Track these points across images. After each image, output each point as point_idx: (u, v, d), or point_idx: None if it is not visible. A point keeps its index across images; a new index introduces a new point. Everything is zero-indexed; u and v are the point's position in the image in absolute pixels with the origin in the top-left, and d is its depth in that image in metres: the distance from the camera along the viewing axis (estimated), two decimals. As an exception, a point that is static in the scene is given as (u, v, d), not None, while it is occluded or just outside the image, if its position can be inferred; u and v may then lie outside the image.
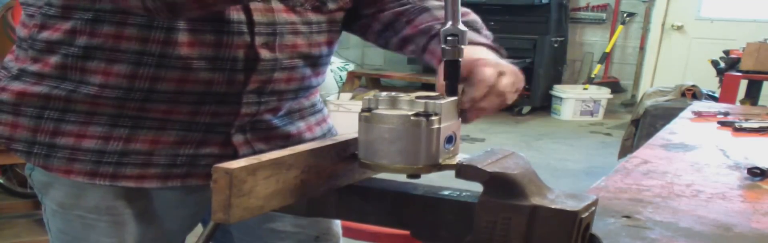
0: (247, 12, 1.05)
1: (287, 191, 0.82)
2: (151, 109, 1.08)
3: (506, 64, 0.98)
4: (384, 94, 0.85)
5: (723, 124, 2.18)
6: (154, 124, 1.09)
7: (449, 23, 0.89)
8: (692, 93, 4.29)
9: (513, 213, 0.77)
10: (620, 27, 6.69)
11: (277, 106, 1.17)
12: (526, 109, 6.57)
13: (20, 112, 1.10)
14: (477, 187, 0.81)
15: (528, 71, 6.27)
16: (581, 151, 5.12)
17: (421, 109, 0.82)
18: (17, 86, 1.10)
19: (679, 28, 6.62)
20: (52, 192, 1.16)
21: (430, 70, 1.11)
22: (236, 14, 1.04)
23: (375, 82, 7.10)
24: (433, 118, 0.82)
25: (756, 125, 2.11)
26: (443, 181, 0.89)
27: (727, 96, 4.12)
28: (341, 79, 6.65)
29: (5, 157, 2.52)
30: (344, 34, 1.25)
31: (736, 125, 2.12)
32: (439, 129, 0.83)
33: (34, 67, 1.09)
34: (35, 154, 1.11)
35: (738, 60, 4.23)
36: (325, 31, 1.17)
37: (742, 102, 4.22)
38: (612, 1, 6.74)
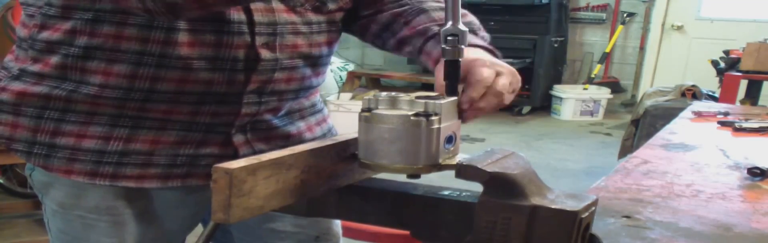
0: (248, 12, 1.05)
1: (287, 191, 0.82)
2: (151, 109, 1.08)
3: (503, 65, 0.99)
4: (384, 94, 0.85)
5: (723, 124, 2.18)
6: (154, 124, 1.09)
7: (450, 23, 0.89)
8: (692, 93, 4.29)
9: (513, 213, 0.77)
10: (620, 27, 6.69)
11: (277, 106, 1.17)
12: (526, 109, 6.57)
13: (20, 112, 1.10)
14: (477, 187, 0.81)
15: (528, 71, 6.29)
16: (581, 151, 5.12)
17: (421, 109, 0.82)
18: (17, 86, 1.10)
19: (679, 28, 6.62)
20: (53, 192, 1.16)
21: (430, 71, 1.11)
22: (237, 14, 1.04)
23: (375, 82, 7.10)
24: (433, 118, 0.82)
25: (756, 125, 2.11)
26: (443, 181, 0.89)
27: (727, 96, 4.12)
28: (341, 79, 6.66)
29: (5, 157, 2.52)
30: (344, 34, 1.25)
31: (736, 125, 2.12)
32: (439, 129, 0.83)
33: (35, 67, 1.09)
34: (35, 154, 1.11)
35: (738, 60, 4.23)
36: (325, 32, 1.17)
37: (742, 102, 4.22)
38: (612, 1, 6.74)
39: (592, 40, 6.92)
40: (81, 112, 1.08)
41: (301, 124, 1.24)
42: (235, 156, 1.12)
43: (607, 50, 6.72)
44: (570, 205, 0.77)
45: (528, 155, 1.08)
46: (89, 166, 1.09)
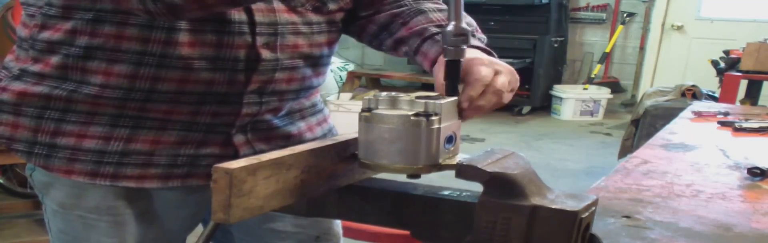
0: (249, 12, 1.05)
1: (287, 191, 0.82)
2: (151, 109, 1.08)
3: (502, 64, 0.99)
4: (384, 94, 0.85)
5: (723, 124, 2.18)
6: (154, 124, 1.09)
7: (452, 23, 0.89)
8: (692, 93, 4.29)
9: (513, 213, 0.77)
10: (620, 27, 6.69)
11: (278, 107, 1.17)
12: (526, 109, 6.57)
13: (21, 113, 1.10)
14: (477, 187, 0.81)
15: (528, 71, 6.29)
16: (581, 151, 5.12)
17: (421, 109, 0.83)
18: (18, 86, 1.10)
19: (679, 28, 6.62)
20: (53, 192, 1.16)
21: (427, 71, 1.12)
22: (238, 15, 1.05)
23: (375, 82, 7.10)
24: (433, 118, 0.82)
25: (756, 125, 2.11)
26: (443, 181, 0.89)
27: (727, 96, 4.12)
28: (341, 79, 6.66)
29: (5, 157, 2.52)
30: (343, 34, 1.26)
31: (736, 125, 2.12)
32: (439, 129, 0.83)
33: (35, 67, 1.09)
34: (36, 154, 1.11)
35: (738, 60, 4.24)
36: (325, 32, 1.17)
37: (742, 102, 4.22)
38: (612, 1, 6.74)
39: (592, 40, 6.92)
40: (81, 112, 1.08)
41: (302, 124, 1.25)
42: (236, 156, 1.13)
43: (607, 50, 6.72)
44: (570, 205, 0.77)
45: (528, 155, 1.08)
46: (90, 166, 1.09)
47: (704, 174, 1.54)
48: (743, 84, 4.29)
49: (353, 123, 0.86)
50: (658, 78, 6.70)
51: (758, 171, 1.51)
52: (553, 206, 0.76)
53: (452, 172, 0.80)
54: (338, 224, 1.37)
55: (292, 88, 1.16)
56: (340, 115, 4.91)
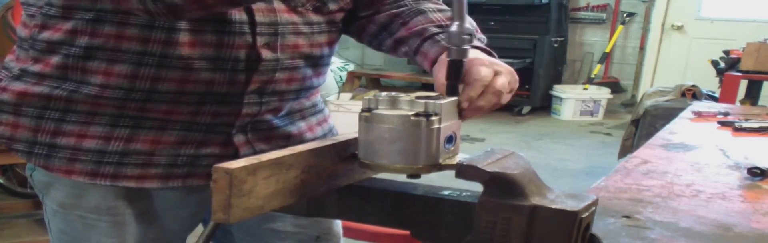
0: (249, 12, 1.05)
1: (287, 191, 0.82)
2: (152, 110, 1.08)
3: (502, 64, 0.99)
4: (384, 94, 0.85)
5: (723, 124, 2.18)
6: (154, 124, 1.09)
7: (457, 23, 0.89)
8: (692, 93, 4.29)
9: (513, 213, 0.77)
10: (620, 27, 6.69)
11: (278, 107, 1.17)
12: (526, 109, 6.57)
13: (21, 113, 1.10)
14: (477, 187, 0.81)
15: (528, 71, 6.29)
16: (581, 151, 5.12)
17: (421, 109, 0.83)
18: (18, 86, 1.10)
19: (679, 28, 6.62)
20: (53, 192, 1.16)
21: (427, 71, 1.12)
22: (238, 15, 1.05)
23: (375, 82, 7.10)
24: (433, 118, 0.82)
25: (756, 125, 2.11)
26: (443, 181, 0.89)
27: (727, 96, 4.12)
28: (341, 79, 6.66)
29: (5, 157, 2.52)
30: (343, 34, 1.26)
31: (736, 125, 2.12)
32: (439, 129, 0.83)
33: (35, 67, 1.09)
34: (36, 154, 1.11)
35: (738, 60, 4.24)
36: (325, 32, 1.17)
37: (742, 102, 4.22)
38: (612, 1, 6.74)
39: (592, 40, 6.92)
40: (82, 112, 1.08)
41: (302, 125, 1.25)
42: (236, 156, 1.13)
43: (607, 50, 6.72)
44: (570, 205, 0.77)
45: (528, 155, 1.08)
46: (90, 166, 1.09)
47: (704, 174, 1.54)
48: (743, 84, 4.29)
49: (353, 123, 0.86)
50: (658, 78, 6.71)
51: (758, 171, 1.51)
52: (553, 206, 0.76)
53: (452, 172, 0.80)
54: (338, 224, 1.37)
55: (293, 88, 1.16)
56: (340, 115, 4.92)
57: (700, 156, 1.73)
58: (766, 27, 5.99)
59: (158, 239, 1.22)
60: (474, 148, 4.05)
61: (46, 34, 1.06)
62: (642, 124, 4.06)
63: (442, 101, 0.84)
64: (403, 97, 0.84)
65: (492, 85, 0.94)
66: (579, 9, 6.87)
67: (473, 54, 0.99)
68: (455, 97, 0.89)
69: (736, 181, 1.49)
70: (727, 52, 4.49)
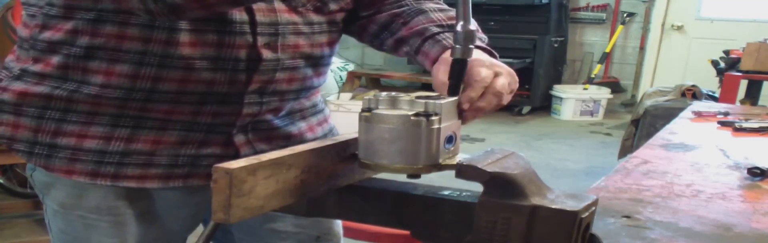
0: (250, 12, 1.05)
1: (287, 191, 0.82)
2: (152, 109, 1.08)
3: (502, 65, 1.00)
4: (384, 94, 0.85)
5: (723, 124, 2.18)
6: (155, 124, 1.09)
7: (461, 23, 0.90)
8: (692, 93, 4.29)
9: (513, 213, 0.77)
10: (620, 27, 6.69)
11: (278, 107, 1.17)
12: (526, 109, 6.57)
13: (22, 113, 1.10)
14: (477, 187, 0.81)
15: (528, 71, 6.29)
16: (581, 151, 5.12)
17: (421, 109, 0.83)
18: (19, 86, 1.10)
19: (679, 28, 6.62)
20: (54, 192, 1.16)
21: (428, 71, 1.12)
22: (239, 15, 1.05)
23: (375, 82, 7.10)
24: (434, 118, 0.82)
25: (756, 125, 2.11)
26: (443, 181, 0.90)
27: (727, 96, 4.12)
28: (341, 79, 6.66)
29: (5, 157, 2.52)
30: (344, 34, 1.26)
31: (736, 125, 2.12)
32: (439, 129, 0.83)
33: (36, 67, 1.09)
34: (36, 154, 1.11)
35: (738, 60, 4.24)
36: (326, 32, 1.17)
37: (742, 102, 4.22)
38: (612, 1, 6.74)
39: (592, 40, 6.92)
40: (82, 112, 1.08)
41: (303, 125, 1.25)
42: (237, 156, 1.13)
43: (607, 50, 6.72)
44: (570, 205, 0.77)
45: (528, 155, 1.08)
46: (90, 167, 1.09)
47: (704, 174, 1.54)
48: (743, 84, 4.29)
49: (353, 123, 0.86)
50: (658, 78, 6.71)
51: (758, 171, 1.51)
52: (553, 206, 0.76)
53: (452, 172, 0.80)
54: (339, 224, 1.37)
55: (293, 88, 1.16)
56: (340, 115, 4.91)
57: (700, 156, 1.73)
58: (766, 27, 5.99)
59: (159, 239, 1.22)
60: (474, 148, 4.05)
61: (46, 34, 1.06)
62: (642, 124, 4.06)
63: (442, 101, 0.84)
64: (403, 97, 0.84)
65: (492, 86, 0.95)
66: (579, 9, 6.87)
67: (475, 54, 0.99)
68: (455, 97, 0.89)
69: (736, 181, 1.49)
70: (727, 52, 4.49)
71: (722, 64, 4.42)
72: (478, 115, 0.95)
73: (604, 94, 6.52)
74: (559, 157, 4.87)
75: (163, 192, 1.18)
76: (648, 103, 4.17)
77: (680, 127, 2.17)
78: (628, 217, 1.18)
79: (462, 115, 0.90)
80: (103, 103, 1.07)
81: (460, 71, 0.92)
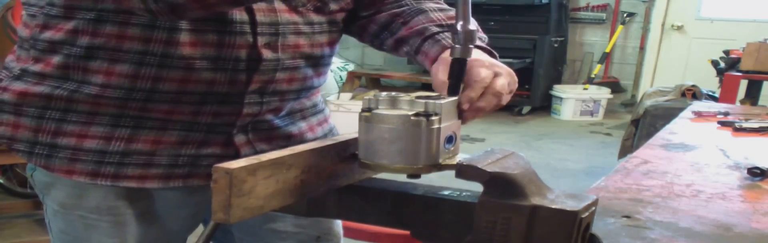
0: (250, 12, 1.05)
1: (287, 191, 0.82)
2: (152, 109, 1.08)
3: (501, 65, 1.00)
4: (384, 94, 0.85)
5: (723, 124, 2.18)
6: (155, 124, 1.09)
7: (460, 23, 0.90)
8: (692, 93, 4.29)
9: (513, 213, 0.77)
10: (620, 27, 6.69)
11: (278, 107, 1.17)
12: (526, 109, 6.57)
13: (22, 112, 1.10)
14: (477, 187, 0.81)
15: (528, 71, 6.29)
16: (581, 151, 5.12)
17: (421, 109, 0.83)
18: (19, 86, 1.10)
19: (679, 28, 6.62)
20: (54, 192, 1.16)
21: (428, 70, 1.12)
22: (239, 14, 1.05)
23: (375, 82, 7.10)
24: (434, 118, 0.82)
25: (756, 125, 2.11)
26: (443, 181, 0.90)
27: (727, 96, 4.12)
28: (341, 79, 6.66)
29: (5, 157, 2.52)
30: (344, 34, 1.26)
31: (736, 125, 2.12)
32: (439, 129, 0.83)
33: (36, 67, 1.09)
34: (37, 154, 1.11)
35: (738, 60, 4.24)
36: (326, 32, 1.17)
37: (742, 102, 4.23)
38: (612, 1, 6.74)
39: (592, 40, 6.92)
40: (82, 112, 1.08)
41: (303, 125, 1.25)
42: (237, 156, 1.13)
43: (607, 50, 6.72)
44: (570, 205, 0.77)
45: (528, 155, 1.08)
46: (91, 167, 1.09)
47: (704, 174, 1.54)
48: (743, 84, 4.29)
49: (353, 123, 0.86)
50: (658, 78, 6.71)
51: (758, 171, 1.51)
52: (553, 206, 0.76)
53: (452, 172, 0.80)
54: (339, 224, 1.37)
55: (293, 88, 1.16)
56: (340, 115, 4.92)
57: (700, 156, 1.73)
58: (766, 27, 5.99)
59: (159, 239, 1.22)
60: (474, 148, 4.05)
61: (47, 34, 1.06)
62: (642, 124, 4.06)
63: (442, 101, 0.84)
64: (403, 97, 0.84)
65: (492, 87, 0.95)
66: (579, 9, 6.87)
67: (474, 54, 0.99)
68: (455, 97, 0.89)
69: (736, 181, 1.49)
70: (727, 52, 4.49)
71: (722, 64, 4.43)
72: (478, 115, 0.95)
73: (604, 94, 6.53)
74: (559, 157, 4.87)
75: (163, 192, 1.18)
76: (648, 103, 4.17)
77: (680, 127, 2.17)
78: (628, 217, 1.18)
79: (462, 115, 0.90)
80: (103, 103, 1.07)
81: (459, 71, 0.92)
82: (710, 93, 4.43)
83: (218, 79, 1.07)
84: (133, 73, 1.04)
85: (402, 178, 0.88)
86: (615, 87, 6.75)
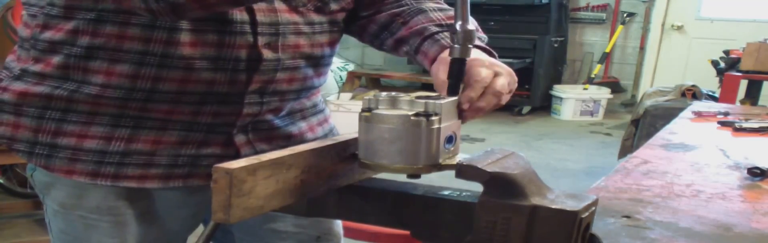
0: (250, 12, 1.05)
1: (287, 191, 0.82)
2: (152, 109, 1.08)
3: (501, 65, 1.00)
4: (384, 94, 0.85)
5: (723, 124, 2.18)
6: (155, 124, 1.09)
7: (459, 23, 0.90)
8: (692, 93, 4.30)
9: (513, 213, 0.77)
10: (620, 27, 6.69)
11: (279, 107, 1.17)
12: (526, 109, 6.57)
13: (22, 113, 1.10)
14: (477, 187, 0.81)
15: (528, 71, 6.29)
16: (581, 151, 5.12)
17: (421, 109, 0.83)
18: (19, 86, 1.10)
19: (679, 28, 6.62)
20: (54, 192, 1.16)
21: (427, 70, 1.12)
22: (239, 14, 1.05)
23: (375, 82, 7.10)
24: (434, 118, 0.82)
25: (756, 125, 2.11)
26: (443, 181, 0.90)
27: (727, 96, 4.12)
28: (341, 79, 6.66)
29: (5, 157, 2.52)
30: (344, 34, 1.26)
31: (736, 125, 2.12)
32: (439, 129, 0.83)
33: (36, 67, 1.09)
34: (37, 154, 1.11)
35: (738, 60, 4.24)
36: (327, 32, 1.17)
37: (742, 102, 4.23)
38: (612, 1, 6.74)
39: (592, 40, 6.92)
40: (82, 112, 1.08)
41: (303, 125, 1.25)
42: (237, 156, 1.12)
43: (607, 50, 6.72)
44: (570, 205, 0.77)
45: (528, 155, 1.08)
46: (91, 167, 1.09)
47: (704, 174, 1.54)
48: (743, 84, 4.29)
49: (353, 123, 0.86)
50: (658, 78, 6.71)
51: (758, 171, 1.51)
52: (553, 206, 0.76)
53: (452, 172, 0.80)
54: (339, 224, 1.37)
55: (294, 88, 1.16)
56: (340, 115, 4.92)
57: (700, 156, 1.73)
58: (766, 27, 5.99)
59: (159, 239, 1.22)
60: (474, 148, 4.05)
61: (47, 34, 1.06)
62: (642, 124, 4.06)
63: (442, 101, 0.84)
64: (403, 97, 0.84)
65: (492, 87, 0.95)
66: (579, 9, 6.87)
67: (474, 54, 0.99)
68: (455, 97, 0.89)
69: (736, 181, 1.49)
70: (727, 52, 4.49)
71: (722, 64, 4.43)
72: (478, 114, 0.95)
73: (604, 94, 6.53)
74: (559, 157, 4.87)
75: (163, 192, 1.18)
76: (648, 103, 4.18)
77: (680, 127, 2.17)
78: (628, 217, 1.18)
79: (461, 114, 0.90)
80: (103, 103, 1.07)
81: (458, 71, 0.93)
82: (710, 93, 4.43)
83: (218, 79, 1.07)
84: (133, 73, 1.04)
85: (402, 178, 0.88)
86: (615, 87, 6.75)
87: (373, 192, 0.91)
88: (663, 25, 6.66)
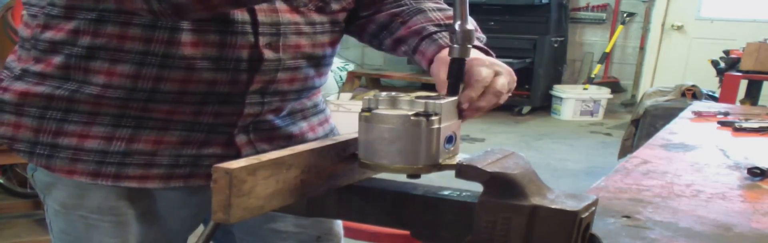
0: (252, 12, 1.05)
1: (287, 191, 0.82)
2: (154, 110, 1.08)
3: (501, 64, 1.00)
4: (384, 94, 0.85)
5: (723, 124, 2.18)
6: (157, 124, 1.09)
7: (458, 23, 0.90)
8: (692, 93, 4.30)
9: (513, 213, 0.77)
10: (620, 27, 6.69)
11: (280, 107, 1.17)
12: (526, 109, 6.57)
13: (23, 113, 1.10)
14: (477, 187, 0.81)
15: (528, 71, 6.29)
16: (581, 151, 5.12)
17: (421, 109, 0.83)
18: (20, 86, 1.10)
19: (679, 28, 6.62)
20: (55, 192, 1.16)
21: (425, 70, 1.13)
22: (240, 15, 1.05)
23: (375, 82, 7.10)
24: (433, 118, 0.82)
25: (756, 125, 2.11)
26: (443, 181, 0.90)
27: (727, 96, 4.13)
28: (341, 79, 6.66)
29: (6, 157, 2.52)
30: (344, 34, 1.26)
31: (736, 125, 2.12)
32: (439, 129, 0.83)
33: (37, 67, 1.09)
34: (38, 154, 1.11)
35: (738, 60, 4.24)
36: (328, 32, 1.17)
37: (742, 102, 4.23)
38: (612, 1, 6.74)
39: (592, 40, 6.92)
40: (83, 112, 1.08)
41: (304, 125, 1.25)
42: (238, 156, 1.12)
43: (607, 50, 6.72)
44: (570, 205, 0.77)
45: (528, 155, 1.08)
46: (92, 167, 1.10)
47: (704, 174, 1.54)
48: (743, 84, 4.29)
49: (353, 123, 0.86)
50: (658, 78, 6.71)
51: (758, 171, 1.51)
52: (553, 206, 0.76)
53: (452, 172, 0.80)
54: (339, 224, 1.38)
55: (295, 88, 1.16)
56: (340, 115, 4.91)
57: (700, 156, 1.73)
58: (766, 27, 5.99)
59: (160, 239, 1.22)
60: (474, 148, 4.05)
61: (48, 34, 1.07)
62: (642, 124, 4.06)
63: (442, 101, 0.84)
64: (403, 97, 0.84)
65: (492, 86, 0.95)
66: (579, 9, 6.87)
67: (473, 54, 1.00)
68: (455, 97, 0.89)
69: (736, 181, 1.49)
70: (727, 52, 4.49)
71: (722, 64, 4.43)
72: (477, 114, 0.95)
73: (604, 94, 6.53)
74: (559, 157, 4.87)
75: (164, 192, 1.18)
76: (648, 103, 4.18)
77: (680, 127, 2.17)
78: (628, 217, 1.18)
79: (461, 114, 0.91)
80: (104, 103, 1.07)
81: (458, 71, 0.93)
82: (710, 93, 4.43)
83: (219, 80, 1.07)
84: (135, 74, 1.04)
85: (402, 178, 0.88)
86: (615, 87, 6.75)
87: (373, 192, 0.91)
88: (663, 25, 6.66)
